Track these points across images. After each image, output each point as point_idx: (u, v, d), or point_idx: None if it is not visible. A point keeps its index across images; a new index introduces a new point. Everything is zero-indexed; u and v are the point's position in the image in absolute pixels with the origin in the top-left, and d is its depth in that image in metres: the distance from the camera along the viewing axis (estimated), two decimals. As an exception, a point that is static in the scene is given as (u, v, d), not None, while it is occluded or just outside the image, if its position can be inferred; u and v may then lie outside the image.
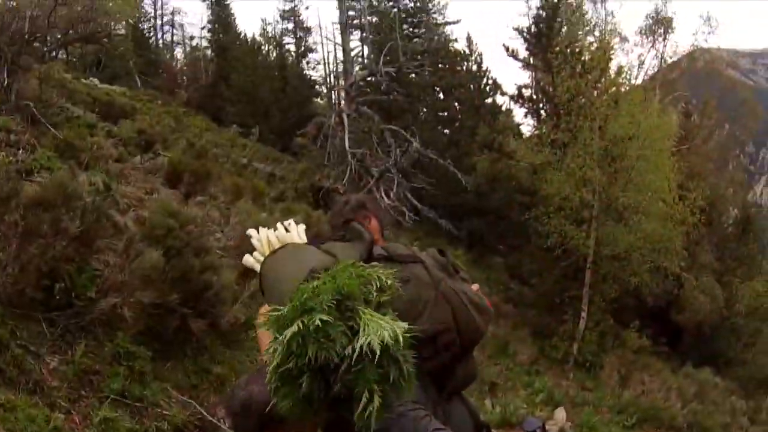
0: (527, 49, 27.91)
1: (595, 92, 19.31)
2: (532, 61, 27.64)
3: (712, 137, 36.81)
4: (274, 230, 2.29)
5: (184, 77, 46.85)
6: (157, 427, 4.50)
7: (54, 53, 14.12)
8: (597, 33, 22.84)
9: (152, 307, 5.05)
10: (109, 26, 15.31)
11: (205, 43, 48.60)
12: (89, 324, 4.81)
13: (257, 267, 2.19)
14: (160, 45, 51.47)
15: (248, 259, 2.26)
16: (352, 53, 31.29)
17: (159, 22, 51.41)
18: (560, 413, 10.54)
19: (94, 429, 4.08)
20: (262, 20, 67.84)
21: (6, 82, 10.67)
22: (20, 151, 8.43)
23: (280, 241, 2.22)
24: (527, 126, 28.52)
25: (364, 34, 33.43)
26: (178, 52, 54.11)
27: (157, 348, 5.29)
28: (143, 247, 5.33)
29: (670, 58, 31.31)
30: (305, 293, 1.49)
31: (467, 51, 31.34)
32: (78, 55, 29.67)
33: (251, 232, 2.31)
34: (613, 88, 19.56)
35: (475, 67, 30.62)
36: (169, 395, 4.95)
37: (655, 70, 30.57)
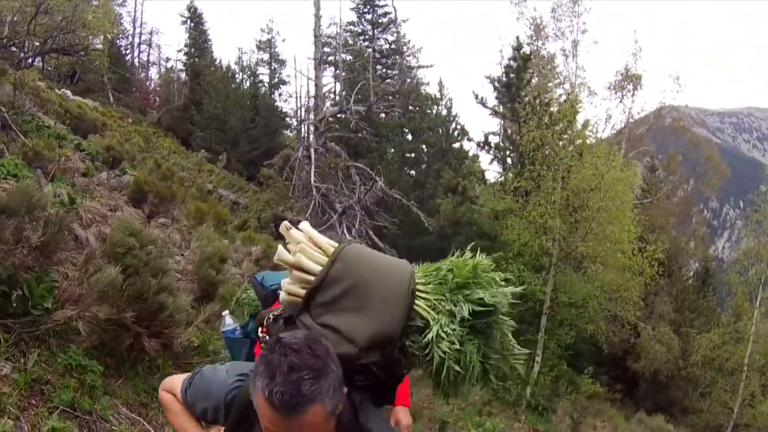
0: (497, 97, 28.39)
1: (561, 143, 19.66)
2: (500, 110, 28.09)
3: (676, 192, 37.56)
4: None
5: (157, 98, 46.90)
6: (104, 441, 4.52)
7: (30, 61, 14.07)
8: (567, 86, 23.34)
9: (107, 322, 5.06)
10: (87, 39, 15.32)
11: (180, 66, 48.73)
12: (44, 334, 4.82)
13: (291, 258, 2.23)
14: (136, 63, 51.39)
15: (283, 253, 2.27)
16: (324, 89, 31.52)
17: (137, 40, 51.48)
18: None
19: (41, 438, 4.09)
20: (239, 49, 68.27)
21: (-20, 87, 10.66)
22: (-12, 156, 8.42)
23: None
24: (492, 172, 28.92)
25: (338, 71, 33.74)
26: (153, 72, 54.12)
27: (109, 363, 5.31)
28: (103, 263, 5.36)
29: (638, 114, 32.01)
30: None
31: (438, 95, 31.77)
32: (54, 65, 29.55)
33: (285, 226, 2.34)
34: (579, 141, 19.93)
35: (444, 112, 30.98)
36: (118, 411, 4.95)
37: (623, 124, 31.20)
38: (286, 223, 2.37)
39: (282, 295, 2.27)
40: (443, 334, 2.02)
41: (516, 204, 20.40)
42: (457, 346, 2.03)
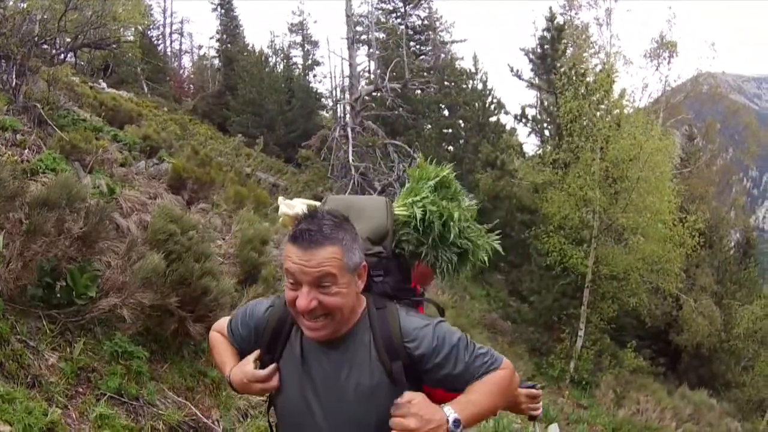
0: (532, 69, 28.13)
1: (598, 114, 19.40)
2: (536, 82, 27.82)
3: (715, 161, 36.93)
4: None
5: (191, 85, 47.12)
6: (152, 425, 4.54)
7: (63, 57, 14.18)
8: (602, 55, 22.96)
9: (152, 308, 5.11)
10: (118, 32, 15.38)
11: (212, 53, 48.89)
12: (89, 323, 4.88)
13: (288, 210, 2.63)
14: (168, 53, 51.67)
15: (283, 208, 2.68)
16: (359, 68, 31.48)
17: (168, 30, 51.69)
18: (554, 429, 10.52)
19: (90, 425, 4.13)
20: (271, 32, 68.37)
21: (14, 83, 10.76)
22: (26, 151, 8.52)
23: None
24: (530, 145, 28.69)
25: (371, 50, 33.60)
26: (186, 61, 54.40)
27: (154, 349, 5.36)
28: (145, 250, 5.39)
29: (675, 81, 31.40)
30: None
31: (473, 70, 31.54)
32: (86, 59, 29.81)
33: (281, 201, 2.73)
34: (616, 111, 19.65)
35: (480, 86, 30.84)
36: (165, 395, 5.00)
37: (659, 93, 30.66)
38: (280, 198, 2.79)
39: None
40: (418, 199, 2.47)
41: (555, 176, 20.20)
42: (431, 203, 2.46)
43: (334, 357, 2.18)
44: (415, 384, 2.17)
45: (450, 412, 2.05)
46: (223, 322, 2.58)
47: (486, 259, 2.61)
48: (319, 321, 2.09)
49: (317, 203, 2.54)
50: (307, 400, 2.21)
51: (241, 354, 2.45)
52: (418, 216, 2.41)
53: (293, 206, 2.62)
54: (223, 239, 8.69)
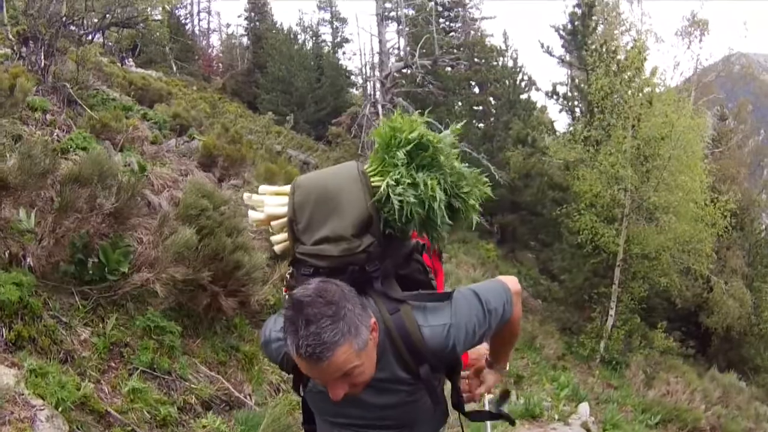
0: (563, 46, 27.88)
1: (629, 91, 19.16)
2: (567, 59, 27.55)
3: (747, 142, 36.42)
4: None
5: (220, 64, 47.25)
6: (184, 399, 4.58)
7: (91, 37, 14.21)
8: (633, 33, 22.60)
9: (184, 283, 5.12)
10: (146, 11, 15.42)
11: (241, 31, 48.91)
12: (121, 298, 4.91)
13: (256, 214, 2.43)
14: (197, 32, 51.76)
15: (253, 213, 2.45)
16: (388, 45, 31.38)
17: (195, 8, 51.73)
18: (584, 408, 10.47)
19: (122, 399, 4.16)
20: (299, 10, 68.22)
21: (43, 64, 10.81)
22: (56, 131, 8.58)
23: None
24: (561, 123, 28.43)
25: (400, 27, 33.41)
26: (214, 39, 54.49)
27: (186, 324, 5.38)
28: (177, 225, 5.41)
29: (706, 60, 30.94)
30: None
31: (503, 47, 31.34)
32: (114, 39, 29.96)
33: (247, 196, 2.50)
34: (648, 88, 19.39)
35: (510, 63, 30.68)
36: (197, 370, 5.02)
37: (691, 72, 30.23)
38: (245, 194, 2.52)
39: (276, 249, 2.40)
40: (393, 182, 2.16)
41: (587, 154, 20.02)
42: (409, 181, 2.16)
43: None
44: (440, 371, 2.24)
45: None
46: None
47: (477, 217, 2.34)
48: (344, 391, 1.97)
49: (286, 188, 2.35)
50: (345, 411, 2.22)
51: None
52: (396, 208, 2.14)
53: (261, 203, 2.40)
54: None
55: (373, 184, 2.22)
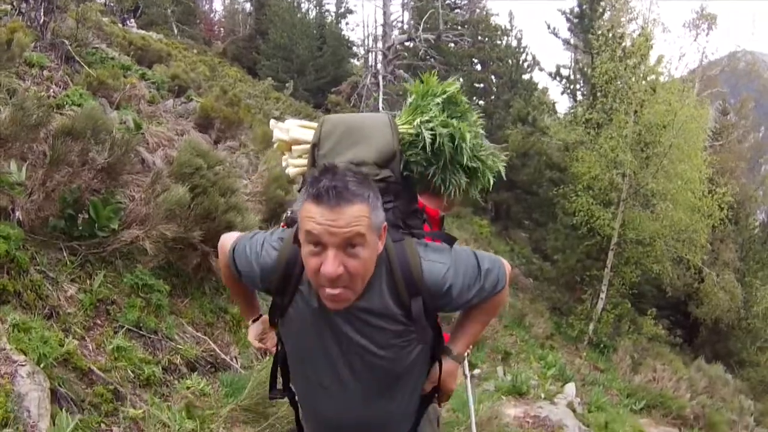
0: (569, 29, 27.84)
1: (633, 77, 19.12)
2: (572, 41, 27.49)
3: (747, 137, 36.54)
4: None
5: (221, 29, 47.05)
6: (169, 359, 4.53)
7: (92, -4, 14.06)
8: (640, 21, 22.51)
9: (174, 242, 5.07)
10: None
11: (244, -4, 48.58)
12: (110, 255, 4.85)
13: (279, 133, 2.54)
14: (199, -5, 51.37)
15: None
16: (392, 17, 31.19)
17: (199, -29, 51.26)
18: (570, 388, 10.53)
19: (107, 357, 4.12)
20: (304, -22, 67.57)
21: (42, 20, 10.67)
22: (53, 87, 8.47)
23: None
24: (562, 105, 28.48)
25: (405, 0, 33.24)
26: (217, 4, 54.20)
27: (176, 283, 5.34)
28: (170, 182, 5.34)
29: (712, 54, 30.93)
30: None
31: (508, 26, 31.28)
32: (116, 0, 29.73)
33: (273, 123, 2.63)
34: (652, 76, 19.35)
35: (514, 43, 30.58)
36: (183, 330, 4.98)
37: (696, 64, 30.26)
38: (272, 120, 2.67)
39: (290, 171, 2.49)
40: (426, 119, 2.29)
41: (587, 136, 20.05)
42: (441, 120, 2.29)
43: (351, 310, 2.07)
44: (430, 318, 2.17)
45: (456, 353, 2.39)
46: (224, 254, 2.44)
47: (492, 181, 2.45)
48: (339, 289, 1.94)
49: (313, 124, 2.43)
50: (326, 347, 2.15)
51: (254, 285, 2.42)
52: (428, 140, 2.25)
53: (287, 129, 2.49)
54: (249, 179, 8.64)
55: (401, 130, 2.31)
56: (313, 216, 1.89)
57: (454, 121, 2.31)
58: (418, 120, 2.29)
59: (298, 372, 2.35)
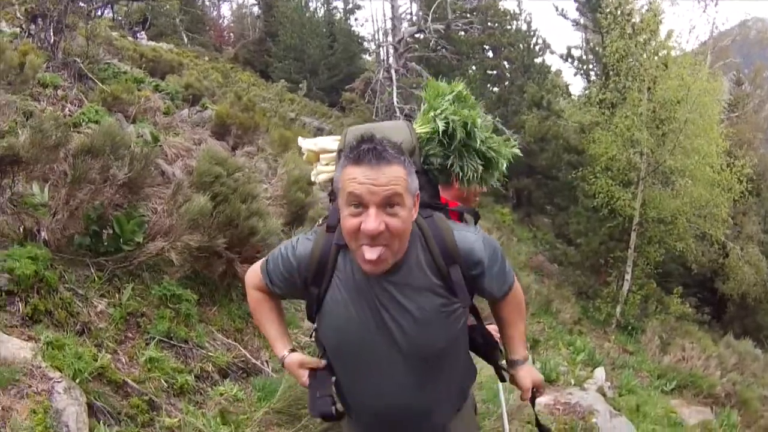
0: (577, 9, 27.67)
1: (645, 54, 18.99)
2: (581, 21, 27.32)
3: (763, 107, 36.16)
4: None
5: (231, 34, 47.19)
6: (201, 367, 4.59)
7: (99, 12, 14.18)
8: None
9: (199, 250, 5.12)
10: (155, -16, 15.38)
11: (252, 0, 48.66)
12: (136, 268, 4.91)
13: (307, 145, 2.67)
14: (207, 2, 51.54)
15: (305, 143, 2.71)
16: (401, 9, 31.14)
17: (205, -22, 51.40)
18: (600, 372, 10.49)
19: (140, 368, 4.18)
20: (310, -23, 67.69)
21: (52, 40, 10.79)
22: (68, 106, 8.57)
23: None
24: (576, 87, 28.40)
25: (413, -9, 33.20)
26: (225, 9, 54.35)
27: (203, 292, 5.40)
28: (191, 192, 5.41)
29: (722, 24, 30.65)
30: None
31: (517, 11, 31.14)
32: (124, 13, 29.91)
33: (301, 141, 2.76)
34: (663, 51, 19.19)
35: (524, 27, 30.45)
36: (214, 337, 5.04)
37: (707, 36, 29.98)
38: (300, 138, 2.83)
39: (320, 180, 2.61)
40: (439, 113, 2.46)
41: (602, 117, 19.96)
42: (453, 110, 2.46)
43: (392, 280, 2.16)
44: (470, 288, 2.27)
45: (522, 357, 2.53)
46: (254, 276, 2.49)
47: (505, 166, 2.61)
48: (378, 249, 2.04)
49: (335, 143, 2.55)
50: (368, 328, 2.20)
51: (283, 295, 2.48)
52: (441, 127, 2.41)
53: (316, 143, 2.64)
54: (269, 183, 8.71)
55: (418, 131, 2.45)
56: (354, 177, 2.02)
57: (465, 111, 2.47)
58: (431, 114, 2.47)
59: (342, 366, 2.36)
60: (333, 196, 2.35)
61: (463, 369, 2.48)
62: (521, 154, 2.81)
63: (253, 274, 2.50)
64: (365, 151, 2.02)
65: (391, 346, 2.19)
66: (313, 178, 2.69)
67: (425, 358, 2.23)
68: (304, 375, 2.38)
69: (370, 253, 2.03)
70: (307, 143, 2.67)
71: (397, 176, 2.02)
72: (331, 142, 2.58)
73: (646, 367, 14.17)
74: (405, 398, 2.27)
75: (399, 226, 2.03)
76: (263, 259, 2.47)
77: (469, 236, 2.25)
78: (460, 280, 2.19)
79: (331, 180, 2.44)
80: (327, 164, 2.57)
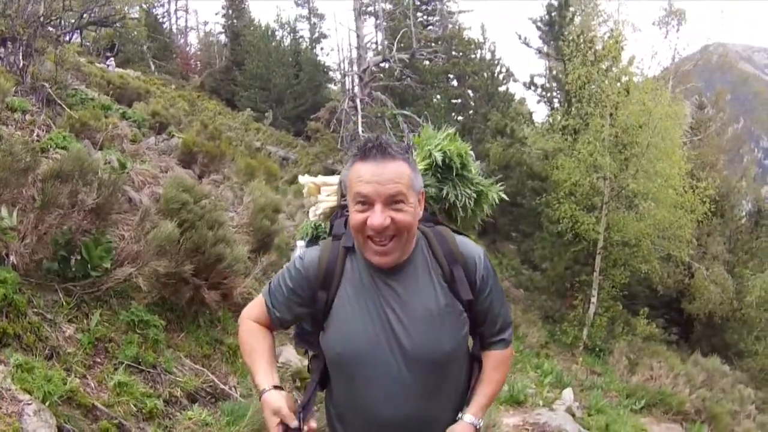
0: (540, 37, 28.12)
1: (607, 80, 19.34)
2: (544, 50, 27.76)
3: (725, 129, 36.83)
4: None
5: (198, 62, 47.22)
6: (170, 392, 4.59)
7: (68, 37, 14.17)
8: (610, 23, 22.80)
9: (166, 277, 5.14)
10: (123, 10, 15.34)
11: (219, 29, 48.90)
12: (104, 294, 4.91)
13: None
14: (174, 30, 51.59)
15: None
16: (366, 39, 31.42)
17: (173, 7, 51.54)
18: (568, 393, 10.59)
19: (109, 392, 4.18)
20: (277, 6, 68.27)
21: (21, 64, 10.75)
22: (36, 131, 8.53)
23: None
24: (540, 114, 28.80)
25: (378, 21, 33.52)
26: (192, 38, 54.37)
27: (170, 318, 5.40)
28: (158, 219, 5.43)
29: (684, 50, 31.32)
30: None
31: (481, 39, 31.57)
32: (92, 39, 29.80)
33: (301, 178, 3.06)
34: (625, 77, 19.57)
35: (488, 56, 30.86)
36: (182, 363, 5.04)
37: (669, 61, 30.60)
38: (300, 176, 3.12)
39: (323, 206, 2.79)
40: (434, 147, 2.74)
41: (565, 143, 20.25)
42: (447, 142, 2.76)
43: (399, 280, 2.25)
44: (473, 292, 2.33)
45: (472, 420, 2.35)
46: (252, 307, 2.50)
47: (495, 201, 2.93)
48: (386, 243, 2.16)
49: (335, 178, 2.78)
50: (376, 332, 2.22)
51: (281, 323, 2.45)
52: (439, 159, 2.65)
53: (318, 179, 2.90)
54: (236, 212, 8.72)
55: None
56: (361, 175, 2.15)
57: (458, 143, 2.74)
58: (427, 148, 2.73)
59: (344, 376, 2.33)
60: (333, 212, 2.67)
61: (466, 382, 2.46)
62: (507, 198, 3.09)
63: (251, 305, 2.53)
64: (371, 148, 2.15)
65: (396, 349, 2.21)
66: (310, 215, 2.87)
67: (430, 363, 2.23)
68: (274, 424, 2.23)
69: (378, 246, 2.17)
70: (308, 178, 2.92)
71: (402, 172, 2.15)
72: (332, 178, 2.82)
73: (615, 387, 14.31)
74: (409, 408, 2.24)
75: (404, 219, 2.14)
76: (264, 288, 2.51)
77: (470, 243, 2.39)
78: (462, 279, 2.28)
79: (333, 209, 2.70)
80: (329, 195, 2.78)
